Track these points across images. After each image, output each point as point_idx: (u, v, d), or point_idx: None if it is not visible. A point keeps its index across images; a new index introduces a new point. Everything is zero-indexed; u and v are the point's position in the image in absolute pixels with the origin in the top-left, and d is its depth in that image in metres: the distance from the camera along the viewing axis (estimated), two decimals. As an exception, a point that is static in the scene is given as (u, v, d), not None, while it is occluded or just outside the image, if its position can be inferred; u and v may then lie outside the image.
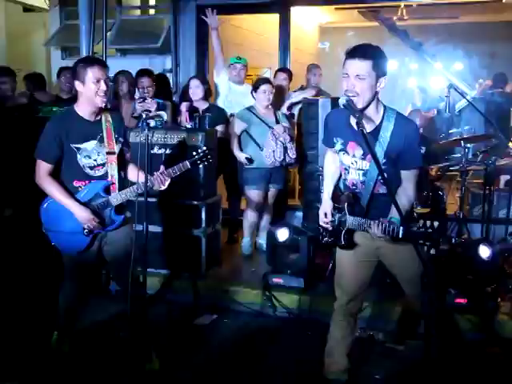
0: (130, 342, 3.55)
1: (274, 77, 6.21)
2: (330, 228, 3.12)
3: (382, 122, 2.83)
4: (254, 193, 5.44)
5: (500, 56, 10.85)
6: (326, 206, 3.16)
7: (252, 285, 4.76)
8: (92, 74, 3.23)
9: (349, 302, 3.25)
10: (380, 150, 2.78)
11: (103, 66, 3.31)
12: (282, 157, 5.31)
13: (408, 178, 2.91)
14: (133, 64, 6.16)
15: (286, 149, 5.32)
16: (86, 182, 3.36)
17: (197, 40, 7.07)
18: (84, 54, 5.05)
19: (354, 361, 3.38)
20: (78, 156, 3.33)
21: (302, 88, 6.69)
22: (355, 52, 2.77)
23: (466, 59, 10.65)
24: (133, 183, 3.43)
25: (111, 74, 5.56)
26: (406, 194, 2.87)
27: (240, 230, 5.83)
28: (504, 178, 6.26)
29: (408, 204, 2.89)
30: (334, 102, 5.76)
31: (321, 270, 4.88)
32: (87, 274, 3.65)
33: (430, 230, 2.57)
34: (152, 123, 3.42)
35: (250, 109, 5.45)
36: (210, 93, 5.69)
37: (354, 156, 2.93)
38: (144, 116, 3.30)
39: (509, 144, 5.61)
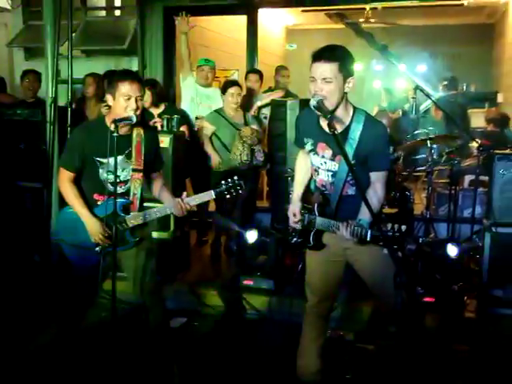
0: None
1: (245, 78, 6.20)
2: (299, 228, 3.12)
3: (351, 123, 2.84)
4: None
5: (463, 58, 11.07)
6: (295, 206, 3.16)
7: (222, 287, 4.74)
8: (123, 89, 3.10)
9: (319, 303, 3.26)
10: (350, 151, 2.79)
11: (135, 80, 3.14)
12: (249, 159, 5.30)
13: (377, 179, 2.92)
14: (98, 66, 6.09)
15: (253, 151, 5.32)
16: (106, 197, 3.21)
17: (164, 42, 7.00)
18: (49, 55, 4.95)
19: (325, 361, 3.39)
20: (100, 171, 3.21)
21: (270, 89, 6.70)
22: (321, 54, 2.78)
23: (430, 61, 10.84)
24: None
25: (76, 76, 5.51)
26: (375, 195, 2.88)
27: (209, 232, 5.81)
28: (468, 178, 6.39)
29: (378, 205, 2.90)
30: (303, 103, 5.80)
31: (290, 272, 4.89)
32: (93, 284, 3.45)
33: (398, 234, 2.59)
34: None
35: (218, 111, 5.44)
36: (162, 95, 5.59)
37: (323, 157, 2.94)
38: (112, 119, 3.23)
39: (472, 144, 5.73)
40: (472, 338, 3.99)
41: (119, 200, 3.21)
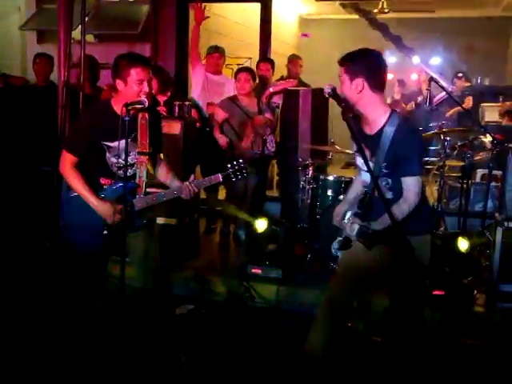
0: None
1: (257, 67, 6.16)
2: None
3: (384, 126, 2.78)
4: (233, 183, 5.41)
5: (477, 51, 10.96)
6: (339, 206, 3.21)
7: (230, 275, 4.74)
8: (136, 74, 3.10)
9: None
10: (381, 155, 2.76)
11: (147, 65, 3.16)
12: (261, 149, 5.27)
13: (407, 185, 2.81)
14: (110, 50, 6.05)
15: (265, 141, 5.29)
16: (110, 180, 3.24)
17: (177, 28, 6.98)
18: (62, 39, 4.95)
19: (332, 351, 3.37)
20: (108, 154, 3.21)
21: (282, 78, 6.66)
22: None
23: (444, 53, 10.74)
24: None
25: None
26: (405, 201, 2.79)
27: (218, 221, 5.80)
28: (480, 172, 6.33)
29: (404, 212, 2.79)
30: (315, 92, 5.77)
31: (299, 261, 4.88)
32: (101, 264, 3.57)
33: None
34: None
35: (232, 98, 5.41)
36: (169, 82, 5.53)
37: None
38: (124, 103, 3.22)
39: (485, 137, 5.68)
40: (481, 333, 3.96)
41: (127, 183, 3.17)
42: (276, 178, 7.40)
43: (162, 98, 5.35)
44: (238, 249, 5.34)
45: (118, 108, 3.14)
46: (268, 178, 6.70)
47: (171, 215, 4.84)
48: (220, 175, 3.28)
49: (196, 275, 4.78)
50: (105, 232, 3.23)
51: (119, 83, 3.16)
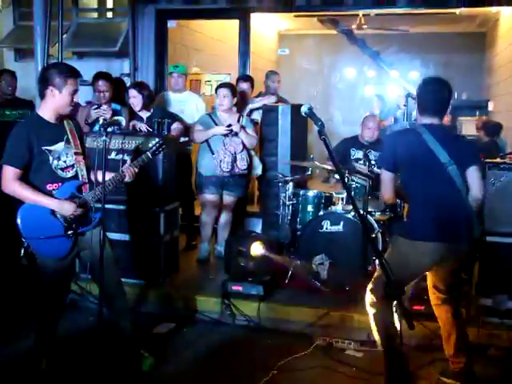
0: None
1: (236, 84, 6.17)
2: None
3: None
4: (207, 197, 5.43)
5: (454, 65, 11.12)
6: None
7: (211, 293, 4.71)
8: (71, 86, 3.28)
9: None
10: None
11: (78, 77, 3.36)
12: (230, 167, 5.25)
13: None
14: (90, 67, 6.03)
15: (235, 158, 5.26)
16: (59, 184, 3.32)
17: (155, 44, 6.97)
18: (39, 56, 4.93)
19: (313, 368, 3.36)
20: (51, 158, 3.30)
21: (260, 94, 6.68)
22: None
23: (421, 68, 10.90)
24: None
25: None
26: None
27: (198, 237, 5.78)
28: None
29: None
30: (294, 108, 5.80)
31: (280, 278, 4.87)
32: (65, 284, 3.60)
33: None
34: (109, 129, 3.33)
35: (211, 114, 5.42)
36: (152, 98, 5.53)
37: None
38: (101, 121, 3.24)
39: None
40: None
41: (72, 181, 3.36)
42: (257, 193, 7.39)
43: (145, 114, 5.33)
44: (218, 265, 5.29)
45: (46, 115, 3.32)
46: (248, 194, 6.70)
47: (152, 233, 4.81)
48: (149, 153, 3.60)
49: (177, 293, 4.74)
50: (69, 232, 3.29)
51: (53, 91, 3.27)
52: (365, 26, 9.74)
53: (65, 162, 3.34)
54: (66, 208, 3.27)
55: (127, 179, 3.51)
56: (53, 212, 3.27)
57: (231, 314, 4.46)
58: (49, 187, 3.30)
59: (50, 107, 3.31)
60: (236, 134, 5.27)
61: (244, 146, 5.31)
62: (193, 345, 4.11)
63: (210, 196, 5.42)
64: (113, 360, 3.47)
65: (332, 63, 11.29)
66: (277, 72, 6.94)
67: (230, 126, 5.23)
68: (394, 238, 3.34)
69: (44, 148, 3.26)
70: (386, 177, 3.23)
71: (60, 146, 3.32)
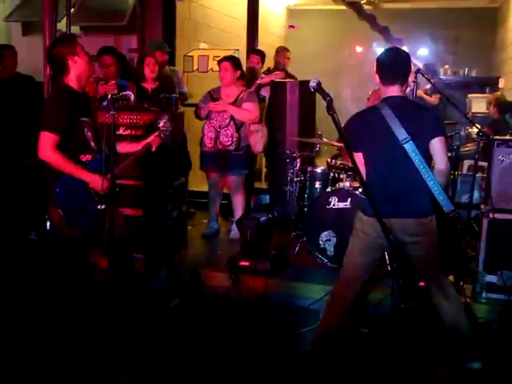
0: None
1: (247, 58, 6.14)
2: None
3: None
4: (208, 174, 5.52)
5: (463, 42, 10.98)
6: None
7: (218, 268, 4.74)
8: (84, 51, 3.42)
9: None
10: None
11: None
12: (213, 142, 5.23)
13: None
14: (97, 42, 6.01)
15: (219, 134, 5.24)
16: (90, 156, 3.40)
17: (163, 19, 6.92)
18: (46, 30, 4.90)
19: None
20: (85, 129, 3.37)
21: (269, 70, 6.65)
22: None
23: (431, 44, 10.76)
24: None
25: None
26: None
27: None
28: (467, 163, 6.36)
29: None
30: (302, 84, 5.77)
31: (287, 253, 4.90)
32: (87, 257, 3.67)
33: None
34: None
35: (210, 91, 5.40)
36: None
37: None
38: (109, 96, 3.23)
39: (472, 128, 5.71)
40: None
41: (101, 156, 3.39)
42: (264, 170, 7.40)
43: (150, 86, 5.34)
44: (229, 241, 5.33)
45: (74, 85, 3.40)
46: (256, 170, 6.70)
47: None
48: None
49: (184, 268, 4.78)
50: (100, 206, 3.36)
51: (73, 59, 3.35)
52: (374, 1, 9.61)
53: (95, 134, 3.45)
54: (100, 182, 3.32)
55: (154, 148, 3.66)
56: (87, 185, 3.34)
57: (238, 288, 4.50)
58: (82, 158, 3.37)
59: (74, 77, 3.38)
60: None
61: (232, 121, 5.26)
62: (200, 319, 4.16)
63: (210, 173, 5.45)
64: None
65: (341, 39, 11.16)
66: (287, 48, 6.90)
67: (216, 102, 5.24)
68: (356, 214, 3.34)
69: (80, 118, 3.34)
70: (357, 159, 3.11)
71: (89, 118, 3.43)
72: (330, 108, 2.45)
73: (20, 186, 5.30)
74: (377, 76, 3.22)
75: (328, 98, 2.47)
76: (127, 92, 3.12)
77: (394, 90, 3.18)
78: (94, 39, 6.71)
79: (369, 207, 3.14)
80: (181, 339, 3.82)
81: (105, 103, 3.26)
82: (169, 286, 4.64)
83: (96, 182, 3.34)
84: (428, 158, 3.14)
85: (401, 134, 3.06)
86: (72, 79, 3.40)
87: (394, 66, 3.21)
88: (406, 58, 3.23)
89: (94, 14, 7.11)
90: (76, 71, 3.38)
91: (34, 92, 5.44)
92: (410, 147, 3.05)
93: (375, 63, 3.25)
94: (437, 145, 3.11)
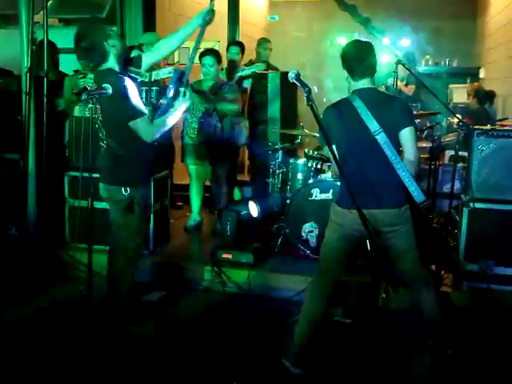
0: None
1: (227, 50, 6.11)
2: None
3: None
4: (189, 167, 5.52)
5: (444, 32, 11.04)
6: None
7: (201, 261, 4.73)
8: None
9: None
10: None
11: None
12: (196, 133, 5.29)
13: None
14: (76, 34, 5.94)
15: (202, 125, 5.27)
16: None
17: (143, 10, 6.86)
18: (23, 23, 4.82)
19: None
20: None
21: (251, 62, 6.63)
22: None
23: (412, 35, 10.80)
24: None
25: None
26: None
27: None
28: (449, 153, 6.41)
29: None
30: (284, 76, 5.76)
31: (270, 245, 4.91)
32: None
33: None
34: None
35: (195, 82, 5.36)
36: None
37: None
38: (88, 89, 3.21)
39: (453, 118, 5.73)
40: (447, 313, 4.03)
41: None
42: (247, 162, 7.38)
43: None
44: (208, 234, 5.32)
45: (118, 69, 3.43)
46: (238, 162, 6.68)
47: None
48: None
49: (167, 261, 4.77)
50: None
51: (110, 43, 3.38)
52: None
53: None
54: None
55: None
56: None
57: (221, 281, 4.50)
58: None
59: (116, 59, 3.41)
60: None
61: (215, 111, 5.23)
62: (183, 312, 4.16)
63: (191, 166, 5.43)
64: (104, 329, 3.50)
65: (322, 30, 11.16)
66: (268, 40, 6.88)
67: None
68: (331, 206, 3.35)
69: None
70: (330, 153, 3.07)
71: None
72: (309, 99, 2.45)
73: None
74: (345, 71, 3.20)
75: (307, 89, 2.48)
76: (105, 84, 3.07)
77: (365, 83, 3.19)
78: (73, 31, 6.62)
79: (342, 198, 3.17)
80: (163, 332, 3.82)
81: (84, 97, 3.22)
82: (151, 279, 4.63)
83: (182, 106, 3.54)
84: (399, 149, 3.15)
85: (372, 125, 3.06)
86: (115, 63, 3.41)
87: (362, 60, 3.17)
88: (371, 51, 3.22)
89: (72, 6, 7.03)
90: (115, 54, 3.40)
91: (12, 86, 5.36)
92: (381, 138, 3.06)
93: (341, 58, 3.21)
94: (406, 135, 3.12)
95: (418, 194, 3.11)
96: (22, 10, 4.83)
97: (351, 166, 3.15)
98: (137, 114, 3.32)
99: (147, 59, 3.67)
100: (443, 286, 4.24)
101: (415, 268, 3.33)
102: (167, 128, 3.51)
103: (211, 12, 3.63)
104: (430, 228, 4.41)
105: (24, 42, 4.84)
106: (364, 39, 3.32)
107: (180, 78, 3.66)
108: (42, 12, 5.23)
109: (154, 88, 5.15)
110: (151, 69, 4.30)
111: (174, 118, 3.52)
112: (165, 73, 4.76)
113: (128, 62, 3.56)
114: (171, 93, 3.62)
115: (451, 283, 4.29)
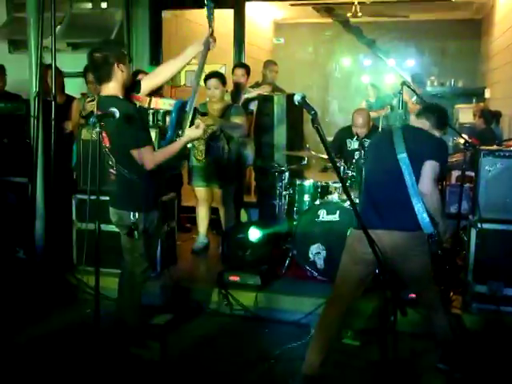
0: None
1: (232, 73, 6.15)
2: None
3: None
4: (196, 189, 5.49)
5: (450, 53, 11.10)
6: None
7: (208, 283, 4.71)
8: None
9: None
10: None
11: None
12: (204, 155, 5.29)
13: None
14: (85, 59, 6.00)
15: (209, 146, 5.27)
16: None
17: (150, 34, 6.95)
18: (32, 47, 4.89)
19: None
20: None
21: (257, 84, 6.67)
22: None
23: (417, 56, 10.87)
24: None
25: (63, 69, 5.45)
26: None
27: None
28: (456, 174, 6.40)
29: None
30: (290, 98, 5.79)
31: (277, 268, 4.89)
32: None
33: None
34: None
35: (201, 105, 5.39)
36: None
37: None
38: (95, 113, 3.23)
39: (460, 139, 5.73)
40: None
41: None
42: (254, 183, 7.39)
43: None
44: (216, 256, 5.31)
45: (121, 95, 3.41)
46: (245, 184, 6.69)
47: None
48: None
49: (174, 284, 4.75)
50: None
51: (119, 66, 3.37)
52: (360, 14, 9.69)
53: None
54: (194, 134, 3.57)
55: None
56: None
57: (228, 304, 4.47)
58: None
59: (121, 85, 3.39)
60: None
61: (221, 133, 5.25)
62: (191, 335, 4.13)
63: (197, 188, 5.43)
64: (111, 352, 3.48)
65: (328, 52, 11.24)
66: (275, 62, 6.93)
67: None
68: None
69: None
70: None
71: None
72: (315, 122, 2.45)
73: (7, 204, 5.25)
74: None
75: (313, 112, 2.48)
76: (112, 109, 3.09)
77: (418, 123, 3.36)
78: (82, 56, 6.69)
79: (356, 221, 3.16)
80: (171, 355, 3.79)
81: (92, 120, 3.24)
82: (159, 302, 4.61)
83: (193, 132, 3.50)
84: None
85: (399, 147, 3.13)
86: (118, 89, 3.39)
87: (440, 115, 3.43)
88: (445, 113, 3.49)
89: (81, 30, 7.11)
90: (121, 80, 3.40)
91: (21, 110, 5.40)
92: (403, 160, 3.11)
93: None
94: (426, 166, 3.15)
95: (425, 226, 3.12)
96: (31, 35, 4.90)
97: (373, 186, 3.19)
98: (139, 143, 3.32)
99: (147, 84, 3.62)
100: (452, 308, 4.20)
101: (429, 291, 3.32)
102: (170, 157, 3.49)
103: (211, 37, 3.63)
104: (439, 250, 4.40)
105: (33, 66, 4.90)
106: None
107: (182, 107, 3.64)
108: (50, 37, 5.31)
109: (161, 111, 5.17)
110: (152, 93, 4.30)
111: (178, 147, 3.49)
112: (165, 103, 4.79)
113: (129, 87, 3.54)
114: (174, 121, 3.63)
115: (460, 305, 4.25)
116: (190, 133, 3.52)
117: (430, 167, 3.15)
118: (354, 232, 3.26)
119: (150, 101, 4.14)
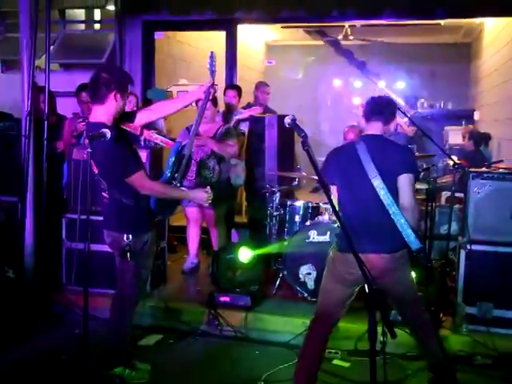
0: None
1: (224, 94, 6.19)
2: None
3: None
4: (186, 209, 5.47)
5: (439, 76, 11.25)
6: None
7: (198, 304, 4.69)
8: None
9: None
10: None
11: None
12: (194, 175, 5.23)
13: None
14: (77, 79, 6.04)
15: (199, 167, 5.28)
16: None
17: (142, 56, 6.99)
18: (25, 68, 4.91)
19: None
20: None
21: (249, 105, 6.71)
22: None
23: (407, 79, 11.00)
24: None
25: (55, 89, 5.46)
26: None
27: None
28: (445, 195, 6.44)
29: None
30: (281, 119, 5.82)
31: (267, 288, 4.87)
32: None
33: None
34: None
35: (189, 126, 5.41)
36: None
37: None
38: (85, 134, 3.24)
39: (449, 161, 5.78)
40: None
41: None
42: (245, 203, 7.40)
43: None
44: (206, 277, 5.29)
45: (109, 122, 3.34)
46: (237, 205, 6.69)
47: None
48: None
49: (163, 304, 4.72)
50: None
51: (116, 95, 3.33)
52: (351, 37, 9.82)
53: None
54: (200, 196, 3.59)
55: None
56: None
57: (218, 324, 4.45)
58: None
59: (111, 112, 3.35)
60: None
61: (212, 154, 5.27)
62: (180, 356, 4.11)
63: (188, 208, 5.42)
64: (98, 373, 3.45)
65: (319, 74, 11.36)
66: (266, 83, 6.98)
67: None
68: (329, 250, 3.38)
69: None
70: (334, 191, 3.27)
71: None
72: (305, 144, 2.47)
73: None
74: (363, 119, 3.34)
75: (303, 134, 2.50)
76: (103, 129, 3.10)
77: (374, 128, 3.27)
78: (73, 76, 6.73)
79: (340, 242, 3.18)
80: (160, 376, 3.76)
81: (82, 141, 3.26)
82: (148, 322, 4.58)
83: (202, 196, 3.51)
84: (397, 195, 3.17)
85: (370, 169, 3.11)
86: (106, 114, 3.34)
87: (376, 104, 3.31)
88: (389, 102, 3.36)
89: (73, 52, 7.16)
90: (113, 109, 3.35)
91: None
92: (377, 183, 3.10)
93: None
94: (402, 182, 3.14)
95: (412, 241, 3.11)
96: (24, 56, 4.92)
97: (349, 209, 3.18)
98: (127, 171, 3.30)
99: (141, 117, 3.59)
100: (442, 329, 4.20)
101: (416, 312, 3.31)
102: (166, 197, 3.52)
103: (212, 88, 3.64)
104: (429, 271, 4.39)
105: (25, 86, 4.91)
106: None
107: (180, 149, 3.64)
108: (43, 57, 5.35)
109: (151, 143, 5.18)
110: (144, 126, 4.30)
111: (178, 195, 3.60)
112: (157, 139, 4.85)
113: (123, 115, 3.51)
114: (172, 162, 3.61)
115: (450, 326, 4.25)
116: (195, 195, 3.57)
117: (407, 182, 3.14)
118: (335, 252, 3.26)
119: (142, 131, 4.17)
